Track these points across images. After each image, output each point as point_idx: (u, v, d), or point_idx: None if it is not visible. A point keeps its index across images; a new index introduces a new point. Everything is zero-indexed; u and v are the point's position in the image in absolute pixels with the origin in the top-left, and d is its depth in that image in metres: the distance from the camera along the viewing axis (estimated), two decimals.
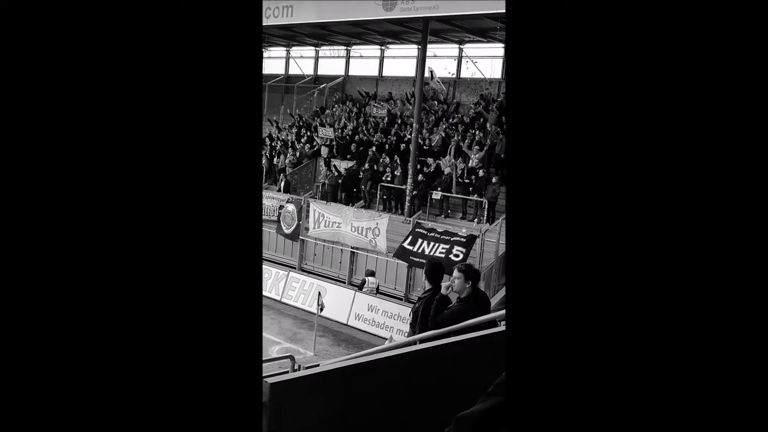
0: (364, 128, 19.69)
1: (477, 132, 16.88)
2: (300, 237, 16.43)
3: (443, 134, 17.45)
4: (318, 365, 2.97)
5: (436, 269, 5.10)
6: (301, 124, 21.75)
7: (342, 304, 14.25)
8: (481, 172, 15.40)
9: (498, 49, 19.56)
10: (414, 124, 16.36)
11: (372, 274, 14.36)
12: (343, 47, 23.34)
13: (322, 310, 12.61)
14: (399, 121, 19.36)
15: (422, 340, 4.06)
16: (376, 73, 23.01)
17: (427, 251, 13.12)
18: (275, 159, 20.11)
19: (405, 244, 13.59)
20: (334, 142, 19.49)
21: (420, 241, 13.42)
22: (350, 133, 19.76)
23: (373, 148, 18.03)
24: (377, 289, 14.18)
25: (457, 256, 12.57)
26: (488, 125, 17.18)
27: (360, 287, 14.35)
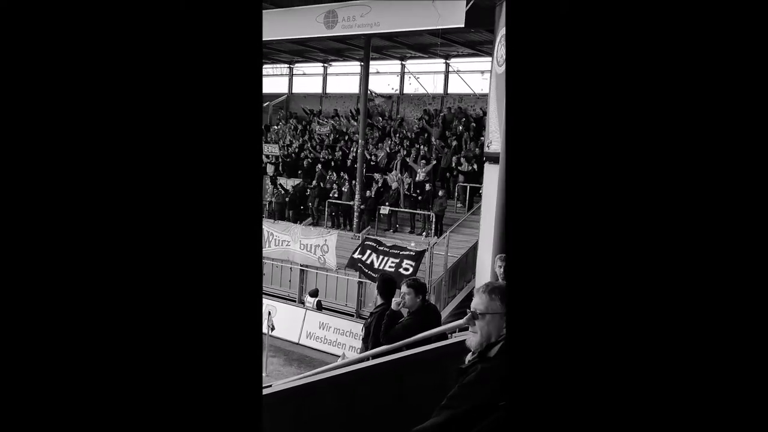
0: (309, 145, 19.65)
1: (422, 146, 17.05)
2: None
3: (388, 150, 17.55)
4: (270, 386, 2.93)
5: (389, 284, 5.12)
6: None
7: (293, 323, 14.10)
8: (427, 186, 15.54)
9: (439, 64, 19.83)
10: (359, 140, 16.41)
11: (313, 294, 14.31)
12: (286, 65, 23.27)
13: (272, 330, 12.45)
14: (345, 138, 19.40)
15: (375, 356, 4.05)
16: (319, 90, 23.02)
17: (376, 264, 13.11)
18: None
19: (354, 255, 13.56)
20: (279, 159, 19.37)
21: (369, 252, 13.40)
22: (296, 150, 19.69)
23: (320, 165, 18.00)
24: (319, 306, 14.13)
25: (407, 269, 12.61)
26: (433, 139, 17.37)
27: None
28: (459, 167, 16.02)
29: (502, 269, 6.21)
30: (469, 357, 2.18)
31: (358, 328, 11.75)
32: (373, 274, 12.57)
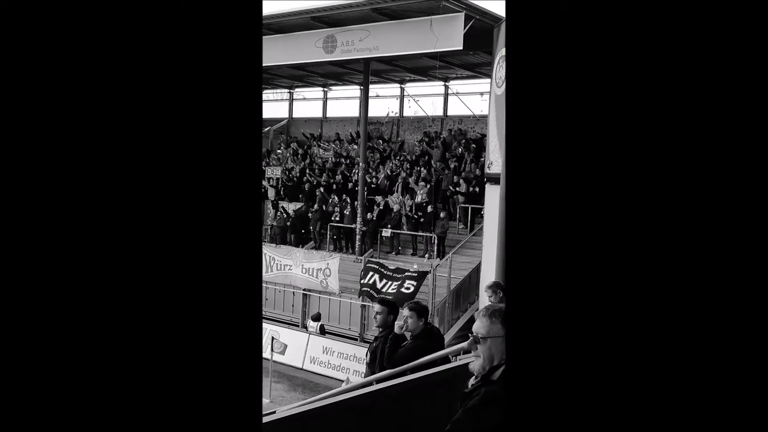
0: (309, 170, 19.74)
1: (422, 168, 17.12)
2: None
3: (389, 172, 17.63)
4: (274, 412, 2.92)
5: (394, 307, 5.11)
6: None
7: (296, 348, 14.04)
8: (429, 208, 15.57)
9: (438, 87, 19.98)
10: (360, 163, 16.48)
11: (315, 318, 14.28)
12: (286, 90, 23.45)
13: (283, 352, 12.44)
14: (346, 161, 19.49)
15: (379, 380, 4.04)
16: (320, 114, 23.16)
17: (378, 285, 13.10)
18: None
19: (362, 281, 13.53)
20: (281, 183, 19.47)
21: (371, 273, 13.38)
22: (297, 174, 19.78)
23: (321, 189, 18.07)
24: (322, 331, 14.09)
25: (408, 289, 12.58)
26: (433, 161, 17.44)
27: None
28: (458, 188, 16.06)
29: (491, 300, 6.26)
30: (472, 381, 2.18)
31: (362, 352, 11.71)
32: (375, 294, 12.57)
